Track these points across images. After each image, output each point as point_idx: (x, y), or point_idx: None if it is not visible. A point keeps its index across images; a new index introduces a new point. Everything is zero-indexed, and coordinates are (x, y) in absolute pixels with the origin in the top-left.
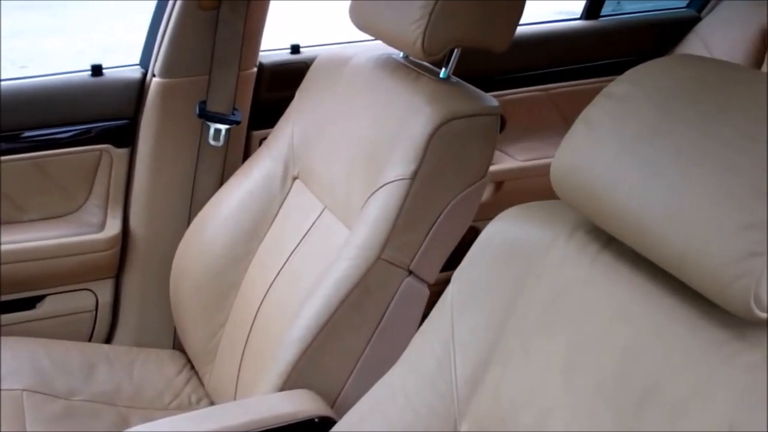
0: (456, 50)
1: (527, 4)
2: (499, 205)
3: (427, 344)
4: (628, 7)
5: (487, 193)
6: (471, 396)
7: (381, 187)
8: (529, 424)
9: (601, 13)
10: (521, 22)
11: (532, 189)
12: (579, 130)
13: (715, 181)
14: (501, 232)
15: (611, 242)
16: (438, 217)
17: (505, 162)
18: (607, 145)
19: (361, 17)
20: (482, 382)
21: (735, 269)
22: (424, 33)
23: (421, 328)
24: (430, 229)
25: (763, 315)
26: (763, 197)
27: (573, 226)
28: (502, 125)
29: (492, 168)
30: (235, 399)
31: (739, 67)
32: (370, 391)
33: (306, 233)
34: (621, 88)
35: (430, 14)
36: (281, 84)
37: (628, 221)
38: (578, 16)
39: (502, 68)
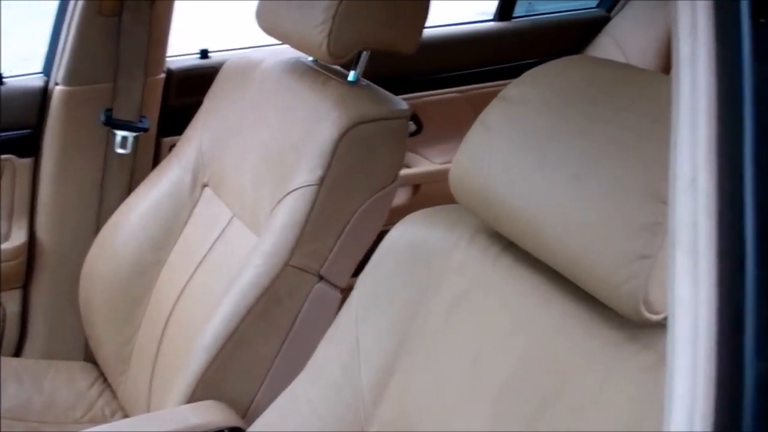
0: (364, 53)
1: (449, 5)
2: (416, 208)
3: (331, 351)
4: (540, 7)
5: (404, 196)
6: (377, 401)
7: (288, 194)
8: (433, 428)
9: (514, 14)
10: (440, 23)
11: (450, 192)
12: (476, 134)
13: (605, 184)
14: (404, 236)
15: (512, 244)
16: (348, 223)
17: (422, 165)
18: (503, 149)
19: (267, 21)
20: (387, 387)
21: (625, 272)
22: (329, 36)
23: (326, 334)
24: (340, 234)
25: (653, 317)
26: (655, 199)
27: (475, 229)
28: (419, 128)
29: (409, 171)
30: (148, 410)
31: (632, 67)
32: (277, 400)
33: (215, 241)
34: (518, 90)
35: (334, 17)
36: (191, 90)
37: (523, 225)
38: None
39: (419, 70)
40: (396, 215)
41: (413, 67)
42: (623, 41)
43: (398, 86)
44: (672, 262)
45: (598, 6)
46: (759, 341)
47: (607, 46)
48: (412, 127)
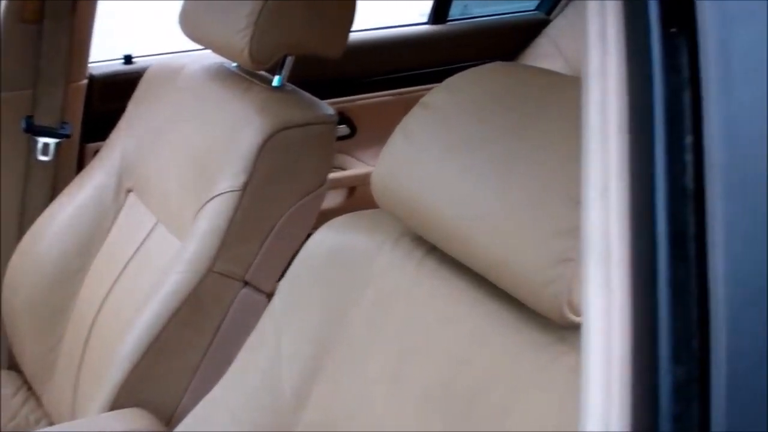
0: (289, 57)
1: (392, 5)
2: (351, 211)
3: (252, 357)
4: (476, 10)
5: (339, 198)
6: (301, 407)
7: (211, 200)
8: (359, 428)
9: (450, 17)
10: (378, 25)
11: None
12: (397, 141)
13: (527, 189)
14: (325, 241)
15: (436, 248)
16: (273, 228)
17: (356, 167)
18: (424, 155)
19: (190, 26)
20: (311, 391)
21: (547, 275)
22: (251, 41)
23: (247, 341)
24: (265, 239)
25: (577, 319)
26: (577, 203)
27: (399, 233)
28: (353, 130)
29: (343, 174)
30: (73, 418)
31: (553, 74)
32: (197, 406)
33: (139, 247)
34: (438, 97)
35: (256, 22)
36: (115, 95)
37: (446, 231)
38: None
39: (353, 73)
40: (330, 218)
41: (346, 71)
42: (562, 43)
43: (331, 89)
44: (585, 270)
45: (537, 8)
46: (674, 345)
47: (545, 48)
48: (345, 130)
